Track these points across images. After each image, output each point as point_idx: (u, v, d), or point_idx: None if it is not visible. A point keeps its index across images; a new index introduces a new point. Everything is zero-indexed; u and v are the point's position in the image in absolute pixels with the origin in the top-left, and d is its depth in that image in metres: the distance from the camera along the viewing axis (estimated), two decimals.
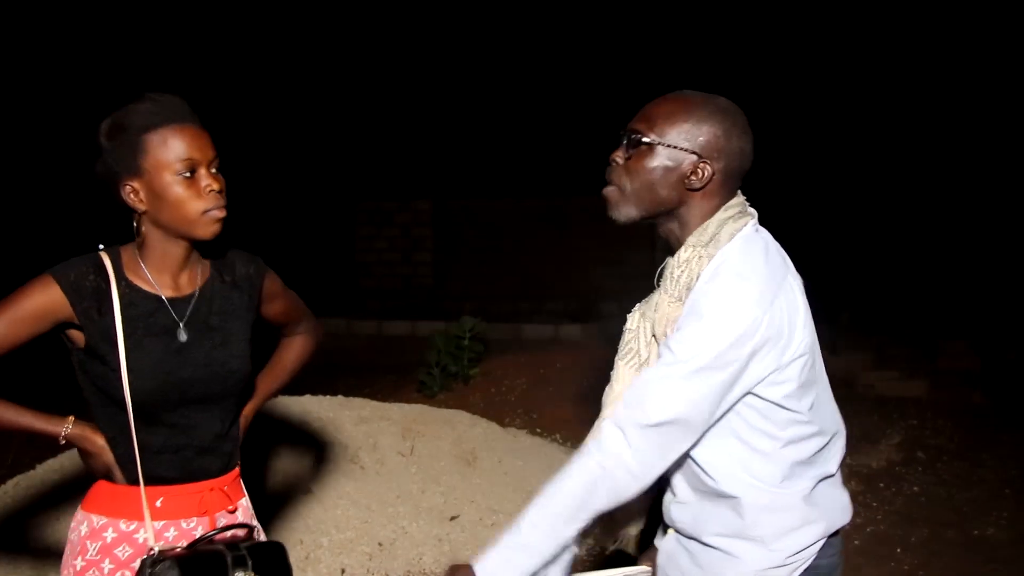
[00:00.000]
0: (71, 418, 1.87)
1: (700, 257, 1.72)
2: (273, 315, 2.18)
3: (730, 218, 1.75)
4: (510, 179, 12.61)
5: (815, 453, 1.77)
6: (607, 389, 1.94)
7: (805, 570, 1.74)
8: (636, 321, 1.88)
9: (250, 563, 1.80)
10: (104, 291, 1.84)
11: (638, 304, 1.90)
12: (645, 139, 1.74)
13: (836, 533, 1.81)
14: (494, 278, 11.96)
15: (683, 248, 1.75)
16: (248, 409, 2.15)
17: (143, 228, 1.87)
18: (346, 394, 5.53)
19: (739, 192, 1.82)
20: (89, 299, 1.82)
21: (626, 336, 1.89)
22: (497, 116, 13.47)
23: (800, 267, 1.80)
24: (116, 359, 1.81)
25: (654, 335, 1.81)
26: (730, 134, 1.74)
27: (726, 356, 1.63)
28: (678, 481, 1.81)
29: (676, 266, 1.75)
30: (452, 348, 7.73)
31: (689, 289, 1.71)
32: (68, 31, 12.73)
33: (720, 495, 1.74)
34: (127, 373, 1.81)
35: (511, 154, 13.05)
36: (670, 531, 1.87)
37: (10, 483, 4.50)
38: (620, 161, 1.78)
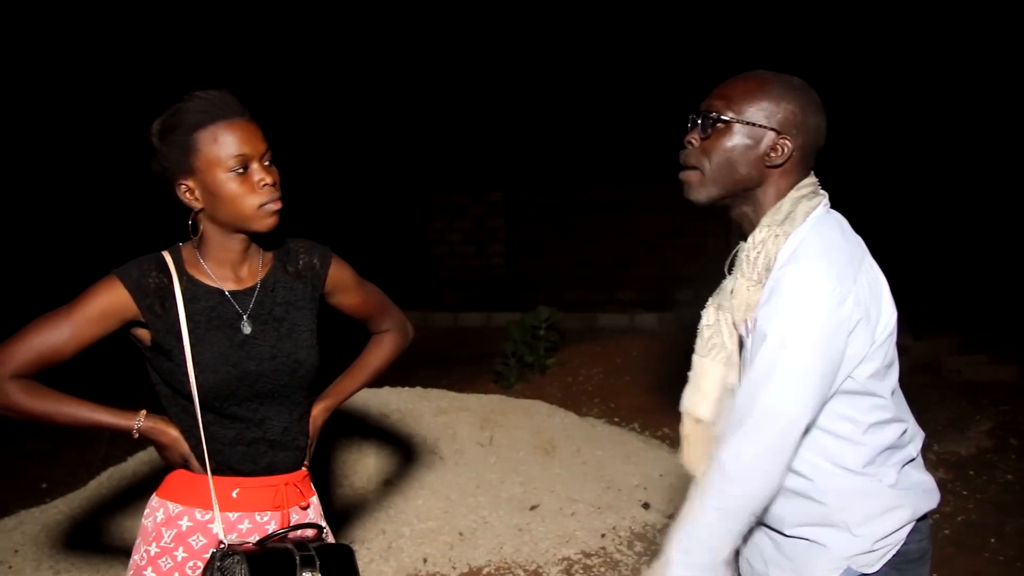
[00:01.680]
0: (143, 412, 1.89)
1: (776, 236, 1.69)
2: (349, 308, 2.16)
3: (804, 196, 1.73)
4: (580, 168, 12.56)
5: (898, 438, 1.74)
6: (689, 389, 1.92)
7: (894, 556, 1.71)
8: (713, 315, 1.84)
9: (318, 563, 1.80)
10: (166, 287, 1.86)
11: (711, 298, 1.87)
12: (723, 117, 1.73)
13: (924, 517, 1.77)
14: (568, 268, 11.92)
15: (758, 229, 1.73)
16: (320, 409, 2.13)
17: (201, 225, 1.89)
18: (424, 386, 5.57)
19: (812, 172, 1.79)
20: (152, 296, 1.84)
21: (705, 332, 1.86)
22: (566, 106, 13.43)
23: (881, 249, 1.78)
24: (181, 354, 1.84)
25: (734, 323, 1.78)
26: (806, 111, 1.73)
27: (823, 342, 1.60)
28: None
29: (752, 248, 1.72)
30: (528, 338, 7.73)
31: (768, 270, 1.69)
32: (134, 26, 13.01)
33: (801, 483, 1.72)
34: (192, 367, 1.83)
35: (581, 143, 13.00)
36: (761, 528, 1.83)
37: (104, 475, 4.65)
38: (696, 143, 1.76)
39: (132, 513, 4.07)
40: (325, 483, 4.37)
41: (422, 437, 4.83)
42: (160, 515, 1.90)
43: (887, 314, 1.69)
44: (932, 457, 5.48)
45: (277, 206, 1.85)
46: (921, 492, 1.77)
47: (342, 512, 4.23)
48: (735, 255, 1.81)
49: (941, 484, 5.14)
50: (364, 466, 4.55)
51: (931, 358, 7.89)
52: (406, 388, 5.35)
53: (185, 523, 1.88)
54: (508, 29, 13.79)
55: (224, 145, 1.80)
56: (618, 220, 11.65)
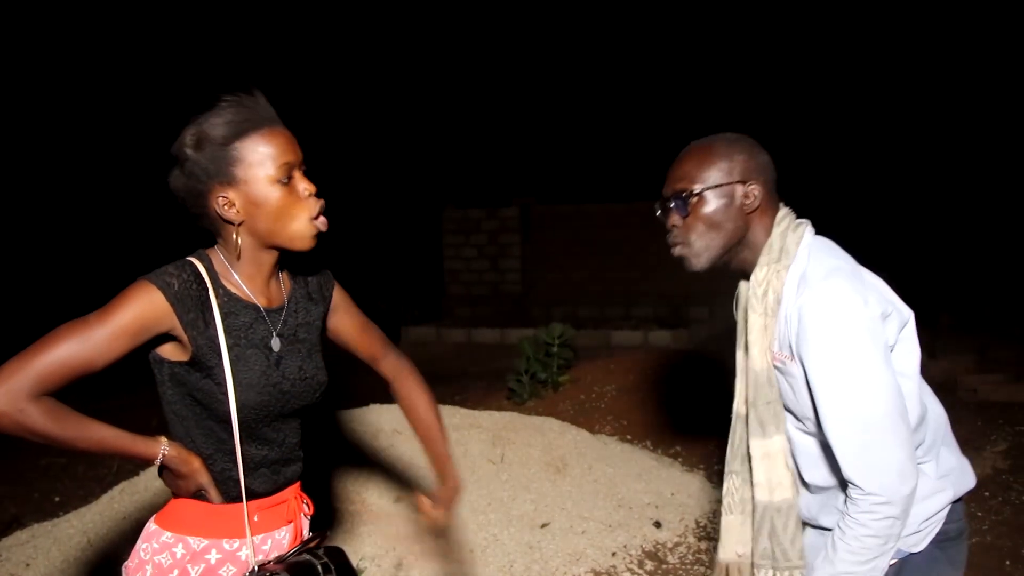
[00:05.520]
0: (163, 439, 1.77)
1: (777, 272, 1.86)
2: (348, 331, 2.11)
3: (787, 229, 1.90)
4: (597, 184, 12.58)
5: (932, 431, 1.91)
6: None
7: (937, 535, 1.86)
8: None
9: (333, 568, 1.82)
10: (205, 299, 1.75)
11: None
12: (694, 192, 1.90)
13: (960, 499, 1.92)
14: (582, 284, 11.93)
15: (758, 267, 1.90)
16: (449, 496, 2.23)
17: (238, 239, 1.79)
18: (436, 402, 5.56)
19: (781, 204, 1.96)
20: (194, 309, 1.73)
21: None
22: (582, 122, 13.46)
23: (896, 266, 1.88)
24: (222, 372, 1.74)
25: (746, 345, 1.93)
26: (752, 153, 1.91)
27: (870, 338, 1.72)
28: (812, 473, 1.91)
29: (757, 285, 1.89)
30: (541, 355, 7.72)
31: (778, 303, 1.85)
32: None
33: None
34: (233, 386, 1.75)
35: (597, 159, 13.03)
36: (807, 528, 1.98)
37: (116, 489, 4.66)
38: (680, 223, 1.93)
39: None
40: (337, 499, 4.37)
41: None
42: (180, 550, 1.79)
43: (906, 311, 1.85)
44: None
45: (324, 227, 1.80)
46: (959, 474, 1.90)
47: (353, 528, 4.22)
48: (736, 298, 2.02)
49: None
50: (375, 482, 4.54)
51: (947, 377, 7.83)
52: None
53: (214, 556, 1.81)
54: (526, 46, 13.85)
55: (269, 155, 1.73)
56: (634, 237, 11.65)
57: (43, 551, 4.19)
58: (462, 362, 9.95)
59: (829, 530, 1.89)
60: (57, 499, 5.63)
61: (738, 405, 2.03)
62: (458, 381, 8.75)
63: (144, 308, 1.68)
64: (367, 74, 14.28)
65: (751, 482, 1.95)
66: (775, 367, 1.86)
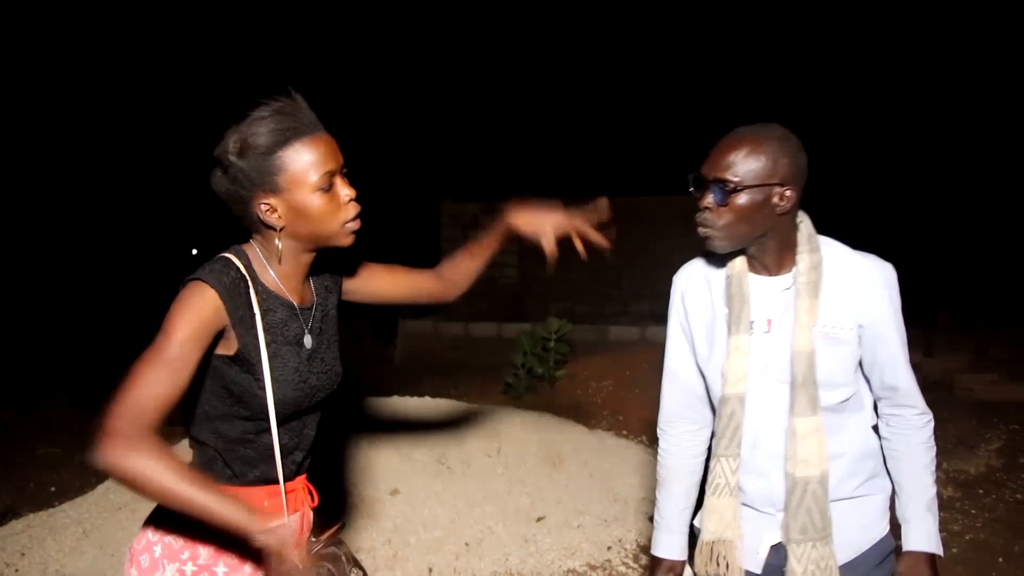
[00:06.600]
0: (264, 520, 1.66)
1: (816, 259, 1.99)
2: (378, 279, 2.15)
3: (809, 222, 2.02)
4: (594, 180, 12.57)
5: None
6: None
7: None
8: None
9: (354, 559, 1.85)
10: (248, 297, 1.78)
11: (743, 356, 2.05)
12: (734, 184, 1.91)
13: None
14: (579, 279, 11.93)
15: (806, 254, 1.99)
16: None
17: (279, 243, 1.81)
18: (433, 395, 5.57)
19: None
20: (243, 307, 1.76)
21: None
22: (581, 116, 13.44)
23: (894, 263, 2.03)
24: (260, 368, 1.78)
25: (797, 327, 1.99)
26: (796, 157, 1.93)
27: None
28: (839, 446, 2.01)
29: (808, 271, 1.97)
30: (538, 350, 7.73)
31: (820, 279, 1.99)
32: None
33: (869, 445, 2.05)
34: (270, 382, 1.78)
35: (596, 153, 13.01)
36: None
37: (112, 480, 4.65)
38: (713, 208, 1.96)
39: (140, 518, 4.07)
40: (333, 491, 4.37)
41: (430, 446, 4.83)
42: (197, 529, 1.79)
43: None
44: (941, 475, 5.45)
45: (358, 225, 1.84)
46: None
47: (350, 521, 4.23)
48: (729, 284, 2.05)
49: (950, 502, 5.13)
50: (371, 474, 4.55)
51: (944, 375, 7.85)
52: (415, 397, 5.36)
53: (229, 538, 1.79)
54: (522, 40, 13.83)
55: (311, 163, 1.75)
56: (633, 231, 11.64)
57: (38, 541, 4.19)
58: (459, 356, 9.95)
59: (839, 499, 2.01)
60: (53, 489, 5.64)
61: (735, 389, 2.01)
62: (455, 375, 8.75)
63: (203, 310, 1.70)
64: (366, 69, 14.26)
65: (795, 459, 1.96)
66: (824, 341, 1.96)
